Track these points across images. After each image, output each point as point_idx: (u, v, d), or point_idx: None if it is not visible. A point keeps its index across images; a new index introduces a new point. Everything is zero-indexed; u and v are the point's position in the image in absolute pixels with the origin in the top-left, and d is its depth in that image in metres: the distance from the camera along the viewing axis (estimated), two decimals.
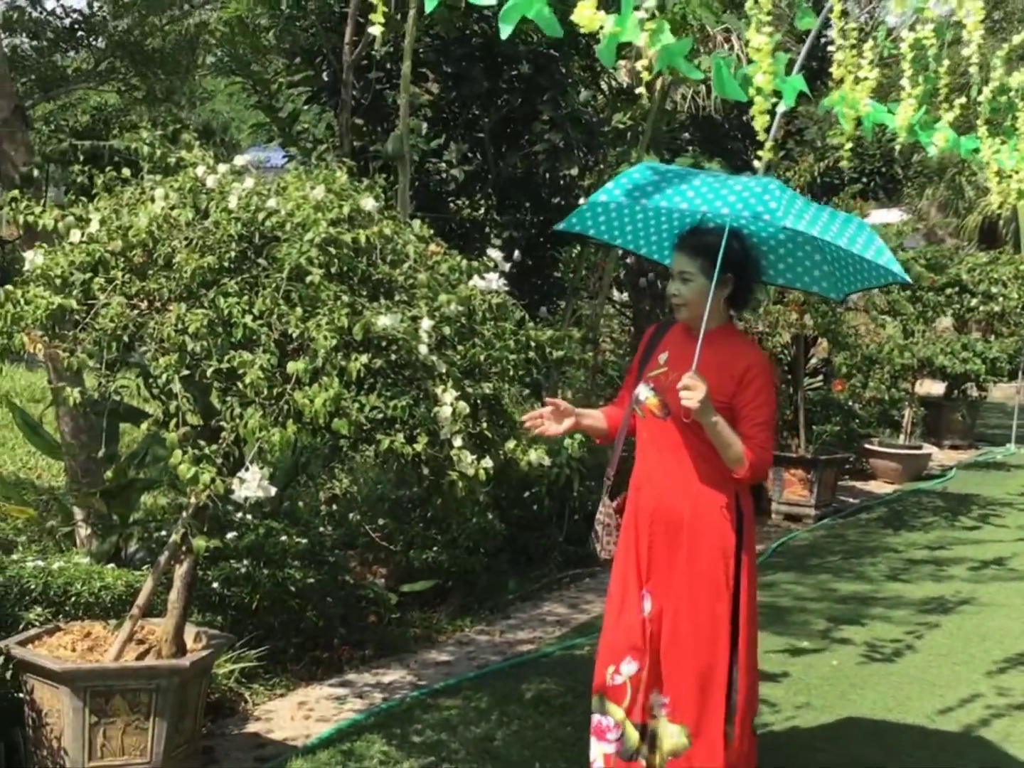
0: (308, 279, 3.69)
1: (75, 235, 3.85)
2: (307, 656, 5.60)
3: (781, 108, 3.95)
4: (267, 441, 3.48)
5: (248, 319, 3.63)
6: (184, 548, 4.16)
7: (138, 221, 3.85)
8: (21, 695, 4.18)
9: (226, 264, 3.77)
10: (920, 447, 12.44)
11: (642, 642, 3.68)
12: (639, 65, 3.36)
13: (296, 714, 5.03)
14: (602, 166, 9.03)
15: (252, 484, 3.45)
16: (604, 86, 9.16)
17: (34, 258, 3.85)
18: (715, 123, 11.16)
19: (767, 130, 3.52)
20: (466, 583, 6.65)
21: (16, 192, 4.07)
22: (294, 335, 3.62)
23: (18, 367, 10.62)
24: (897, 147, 4.10)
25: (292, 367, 3.55)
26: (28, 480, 7.21)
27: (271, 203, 3.93)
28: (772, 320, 9.14)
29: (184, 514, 4.10)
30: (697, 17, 8.13)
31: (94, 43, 6.65)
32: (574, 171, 9.28)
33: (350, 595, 5.89)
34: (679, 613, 3.65)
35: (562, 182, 9.19)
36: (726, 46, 11.29)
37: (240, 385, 3.58)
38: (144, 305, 3.81)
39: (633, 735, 3.71)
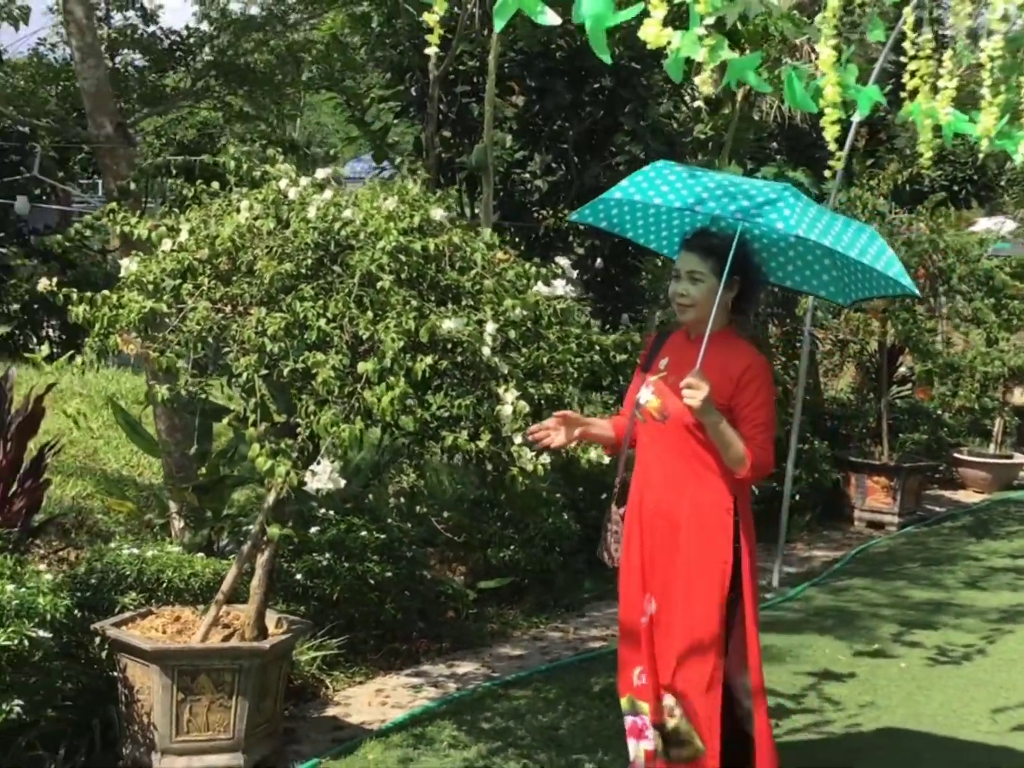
0: (379, 285, 3.92)
1: (167, 244, 4.15)
2: (386, 647, 5.84)
3: (856, 118, 4.07)
4: (338, 436, 3.72)
5: (322, 322, 3.87)
6: (264, 538, 4.43)
7: (223, 231, 4.13)
8: (115, 673, 4.48)
9: (303, 271, 4.03)
10: (1011, 456, 12.31)
11: (647, 646, 3.73)
12: (698, 80, 3.52)
13: (373, 700, 5.28)
14: None
15: (323, 476, 3.68)
16: (687, 97, 9.31)
17: (129, 265, 4.16)
18: (801, 132, 11.20)
19: (838, 140, 3.66)
20: (542, 582, 6.85)
21: (114, 204, 4.39)
22: (364, 337, 3.85)
23: (123, 370, 11.10)
24: (980, 155, 4.20)
25: (362, 367, 3.78)
26: (130, 477, 7.58)
27: (347, 213, 4.17)
28: (854, 328, 9.17)
29: (264, 505, 4.37)
30: (779, 28, 8.25)
31: (191, 63, 7.02)
32: None
33: (429, 590, 6.12)
34: (675, 615, 3.66)
35: None
36: (813, 56, 11.35)
37: (314, 384, 3.83)
38: (228, 309, 4.08)
39: (657, 737, 3.77)
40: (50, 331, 15.42)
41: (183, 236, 4.16)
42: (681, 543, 3.65)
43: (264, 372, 3.91)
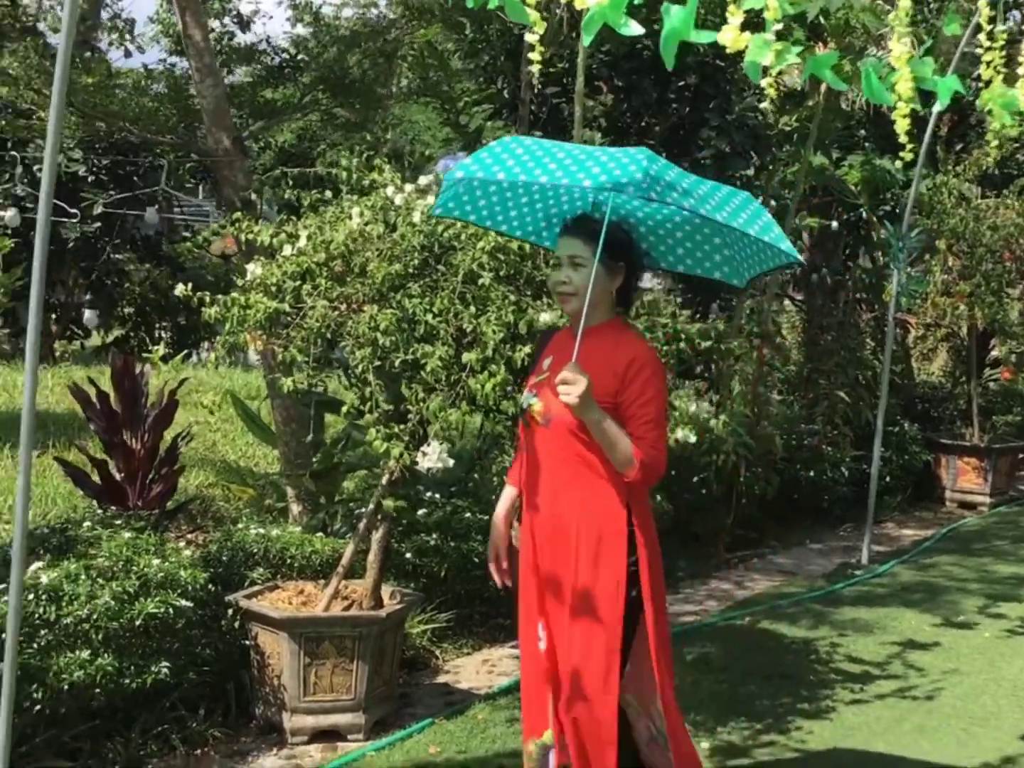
0: (480, 282, 4.30)
1: (287, 249, 4.57)
2: (490, 621, 6.23)
3: (937, 108, 4.32)
4: (446, 420, 4.10)
5: (429, 317, 4.26)
6: (379, 516, 4.84)
7: (338, 236, 4.55)
8: (246, 641, 4.92)
9: (410, 270, 4.42)
10: None
11: (548, 677, 3.47)
12: (764, 83, 3.81)
13: (480, 669, 5.66)
14: (771, 167, 9.41)
15: (433, 456, 4.08)
16: (770, 90, 9.51)
17: (254, 269, 4.59)
18: (889, 120, 11.30)
19: (910, 133, 3.91)
20: None
21: (239, 214, 4.82)
22: (468, 330, 4.23)
23: (235, 369, 11.68)
24: None
25: (466, 357, 4.16)
26: (247, 467, 8.07)
27: None
28: (940, 312, 9.32)
29: (380, 485, 4.77)
30: (860, 21, 8.46)
31: (299, 78, 7.48)
32: (750, 171, 9.68)
33: None
34: (572, 638, 3.37)
35: (738, 183, 9.61)
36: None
37: (423, 374, 4.22)
38: (343, 307, 4.49)
39: None
40: (161, 332, 16.15)
41: (302, 242, 4.58)
42: (573, 557, 3.34)
43: (377, 364, 4.31)
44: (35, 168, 12.54)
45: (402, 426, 4.25)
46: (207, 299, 4.53)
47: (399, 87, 10.47)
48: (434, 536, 6.04)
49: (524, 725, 3.63)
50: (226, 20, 32.84)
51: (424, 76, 9.80)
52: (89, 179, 12.97)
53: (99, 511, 5.20)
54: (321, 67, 7.02)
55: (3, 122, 7.38)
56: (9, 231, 10.75)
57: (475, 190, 3.65)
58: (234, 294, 4.53)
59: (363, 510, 6.16)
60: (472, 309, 4.27)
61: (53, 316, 14.46)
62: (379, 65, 8.93)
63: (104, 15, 14.99)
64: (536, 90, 8.39)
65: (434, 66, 9.73)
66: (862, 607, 6.70)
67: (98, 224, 13.14)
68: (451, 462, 4.14)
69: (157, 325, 15.97)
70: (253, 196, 5.60)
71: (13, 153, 12.84)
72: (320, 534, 5.64)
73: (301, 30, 12.39)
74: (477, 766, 4.48)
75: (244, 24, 31.29)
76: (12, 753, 4.07)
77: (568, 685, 3.37)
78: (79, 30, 12.49)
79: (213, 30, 14.09)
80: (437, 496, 6.29)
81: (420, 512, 6.15)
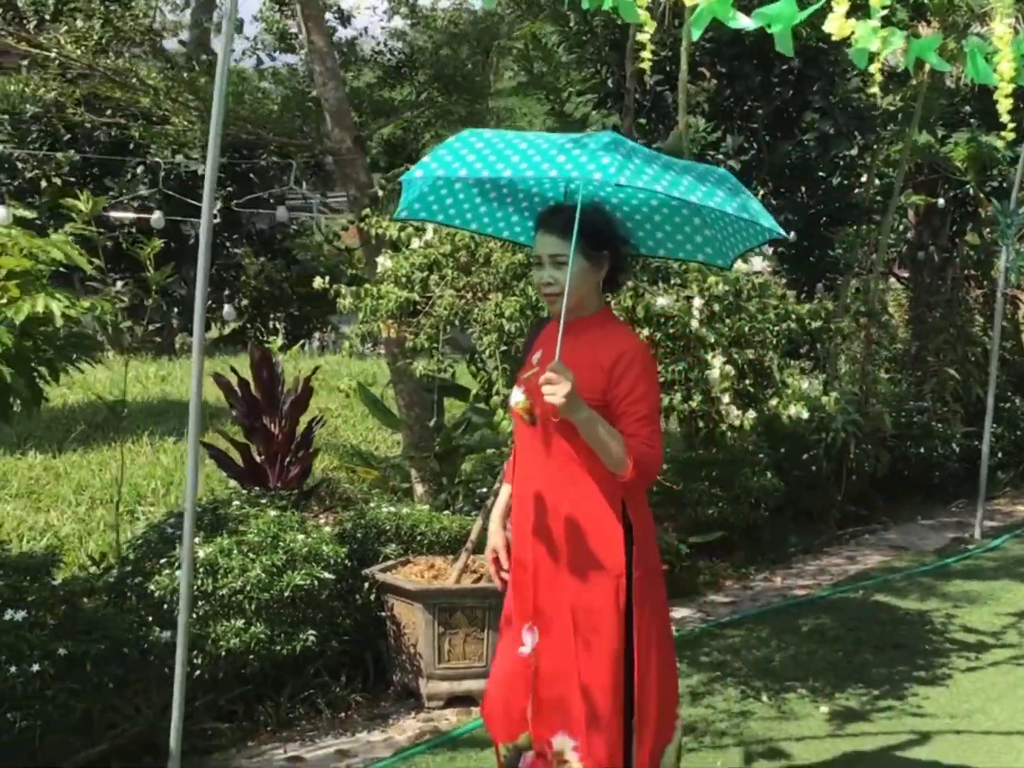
0: None
1: (415, 242, 4.85)
2: None
3: None
4: None
5: None
6: None
7: None
8: (382, 613, 5.23)
9: (532, 259, 4.66)
10: None
11: (529, 684, 3.27)
12: (871, 69, 3.96)
13: None
14: (876, 147, 9.47)
15: None
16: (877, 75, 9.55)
17: (384, 262, 4.88)
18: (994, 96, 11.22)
19: (1011, 111, 4.02)
20: (750, 537, 7.35)
21: (367, 210, 5.12)
22: None
23: (351, 358, 12.08)
24: None
25: None
26: (368, 451, 8.42)
27: None
28: None
29: (506, 465, 5.03)
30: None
31: (415, 77, 7.78)
32: (853, 151, 9.74)
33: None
34: (565, 643, 3.20)
35: (841, 163, 9.69)
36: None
37: None
38: (469, 296, 4.77)
39: None
40: (275, 323, 16.69)
41: (428, 235, 4.86)
42: (564, 561, 3.19)
43: (503, 348, 4.57)
44: (157, 169, 13.07)
45: None
46: (342, 290, 4.83)
47: (500, 79, 10.74)
48: None
49: (493, 728, 3.43)
50: (327, 16, 33.63)
51: (529, 68, 10.05)
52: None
53: (243, 492, 5.55)
54: (435, 66, 7.31)
55: (140, 130, 7.82)
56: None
57: (440, 188, 3.46)
58: (367, 285, 4.82)
59: (484, 490, 6.47)
60: None
61: (175, 310, 15.04)
62: (482, 59, 9.20)
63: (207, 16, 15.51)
64: (640, 79, 8.57)
65: (538, 58, 9.98)
66: (974, 580, 6.80)
67: (217, 221, 13.65)
68: None
69: (271, 316, 16.51)
70: (380, 192, 5.90)
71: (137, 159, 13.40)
72: (447, 512, 5.93)
73: (399, 22, 12.74)
74: None
75: (344, 19, 31.95)
76: (171, 715, 4.45)
77: (563, 698, 3.19)
78: (194, 34, 13.01)
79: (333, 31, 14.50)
80: None
81: None
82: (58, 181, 12.52)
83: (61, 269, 5.10)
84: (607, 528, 3.13)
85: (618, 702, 3.14)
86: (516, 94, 9.56)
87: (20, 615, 4.03)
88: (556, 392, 2.89)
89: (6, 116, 12.40)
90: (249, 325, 16.12)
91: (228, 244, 14.57)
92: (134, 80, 5.93)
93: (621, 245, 3.33)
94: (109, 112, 9.87)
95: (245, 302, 16.28)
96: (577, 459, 3.14)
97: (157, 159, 12.25)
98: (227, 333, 16.81)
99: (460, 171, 3.13)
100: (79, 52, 5.85)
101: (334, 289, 4.83)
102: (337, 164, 6.38)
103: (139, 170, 13.68)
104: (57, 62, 6.06)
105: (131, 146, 13.18)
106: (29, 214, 4.96)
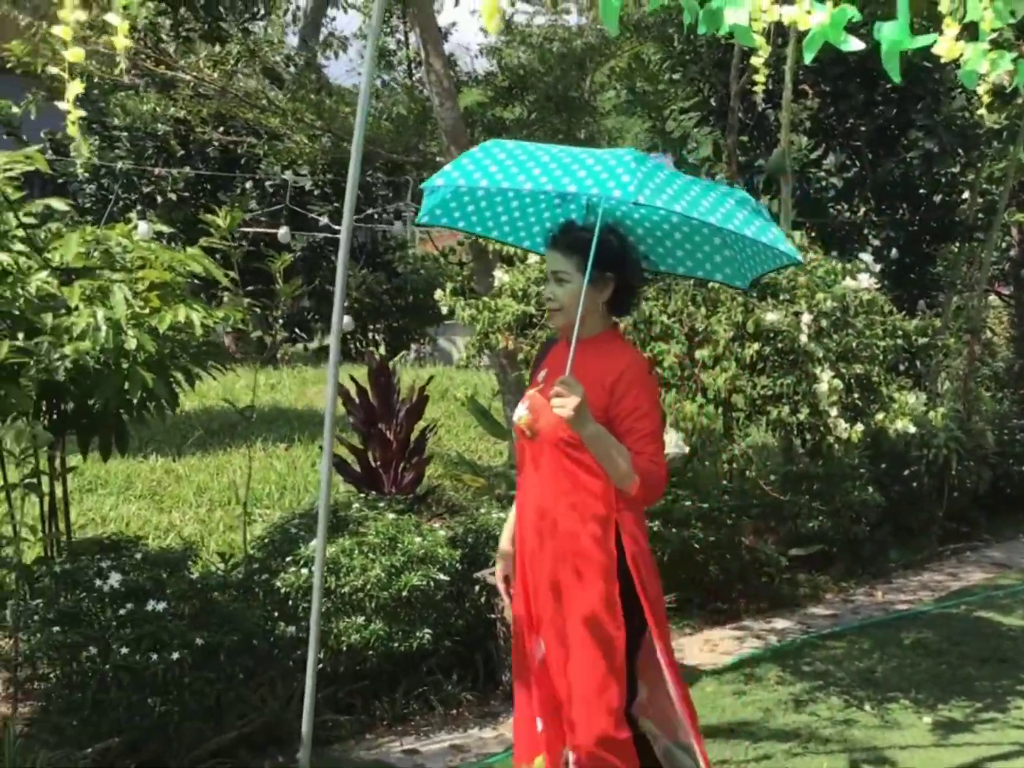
0: (710, 285, 4.68)
1: (532, 257, 5.04)
2: (710, 605, 6.59)
3: None
4: (681, 411, 4.51)
5: (664, 317, 4.67)
6: None
7: None
8: (492, 615, 5.42)
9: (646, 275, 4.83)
10: None
11: (543, 694, 3.37)
12: (980, 90, 4.05)
13: (703, 647, 6.03)
14: (979, 164, 9.47)
15: (671, 443, 4.49)
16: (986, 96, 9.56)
17: (501, 276, 5.08)
18: None
19: None
20: (850, 551, 7.41)
21: None
22: (699, 329, 4.63)
23: (455, 369, 12.37)
24: None
25: (699, 354, 4.57)
26: (471, 460, 8.64)
27: None
28: None
29: None
30: None
31: (526, 96, 8.00)
32: (955, 168, 9.75)
33: (746, 556, 6.82)
34: (567, 659, 3.26)
35: (943, 180, 9.70)
36: None
37: (659, 368, 4.63)
38: None
39: None
40: (375, 335, 17.04)
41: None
42: (562, 575, 3.23)
43: None
44: (266, 183, 13.49)
45: None
46: (461, 303, 5.04)
47: (602, 97, 10.92)
48: (656, 523, 6.42)
49: (517, 749, 3.53)
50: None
51: (631, 86, 10.23)
52: (315, 192, 13.89)
53: (360, 495, 5.79)
54: (545, 86, 7.52)
55: (263, 148, 8.16)
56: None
57: (462, 195, 3.49)
58: (485, 298, 5.03)
59: None
60: (703, 310, 4.66)
61: (279, 322, 15.46)
62: (578, 76, 9.38)
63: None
64: (743, 97, 8.70)
65: (641, 76, 10.16)
66: None
67: (324, 235, 14.06)
68: (687, 449, 4.54)
69: (371, 328, 16.87)
70: None
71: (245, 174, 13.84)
72: None
73: (493, 39, 12.97)
74: (707, 733, 4.85)
75: (442, 35, 32.38)
76: (295, 707, 4.68)
77: (567, 710, 3.26)
78: (302, 52, 13.39)
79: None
80: None
81: None
82: (173, 196, 13.01)
83: (195, 281, 5.41)
84: (602, 542, 3.17)
85: (612, 715, 3.19)
86: (621, 113, 9.73)
87: (161, 606, 4.30)
88: (566, 405, 2.94)
89: (126, 133, 12.92)
90: (350, 336, 16.48)
91: (333, 258, 14.95)
92: (263, 101, 6.24)
93: (630, 269, 3.33)
94: (222, 129, 10.26)
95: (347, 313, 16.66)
96: (573, 474, 3.19)
97: (268, 175, 12.66)
98: (327, 344, 17.21)
99: (480, 181, 3.17)
100: (215, 75, 6.17)
101: (453, 302, 5.04)
102: None
103: (248, 185, 14.13)
104: (191, 83, 6.40)
105: (242, 161, 13.63)
106: (167, 229, 5.25)
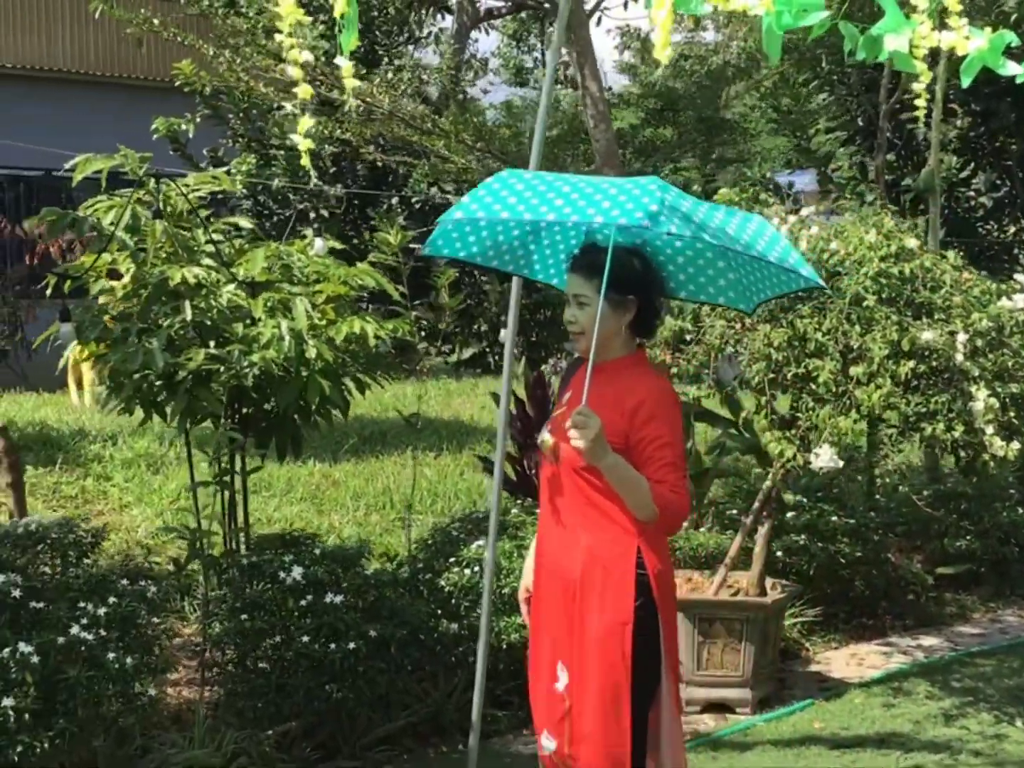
0: (864, 304, 4.81)
1: None
2: (854, 620, 6.65)
3: None
4: (835, 427, 4.64)
5: (819, 335, 4.80)
6: (764, 513, 5.41)
7: None
8: None
9: (800, 293, 4.97)
10: None
11: (558, 718, 3.28)
12: None
13: (849, 662, 6.11)
14: None
15: (825, 457, 4.62)
16: None
17: None
18: None
19: None
20: (998, 571, 7.37)
21: None
22: (854, 347, 4.75)
23: None
24: None
25: (853, 371, 4.68)
26: None
27: (833, 245, 5.09)
28: None
29: (764, 486, 5.34)
30: None
31: (677, 119, 8.18)
32: None
33: (891, 573, 6.85)
34: (582, 688, 3.20)
35: None
36: None
37: (813, 385, 4.77)
38: (738, 326, 5.10)
39: None
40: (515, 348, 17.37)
41: None
42: (580, 604, 3.18)
43: (771, 376, 4.89)
44: (412, 200, 13.89)
45: (792, 431, 4.83)
46: None
47: (743, 116, 11.05)
48: (802, 537, 6.52)
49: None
50: (561, 51, 34.27)
51: (775, 106, 10.34)
52: None
53: (517, 501, 6.03)
54: (698, 108, 7.69)
55: (425, 168, 8.51)
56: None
57: (464, 226, 3.41)
58: None
59: (734, 512, 6.77)
60: (858, 328, 4.78)
61: (422, 334, 15.88)
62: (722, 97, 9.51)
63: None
64: (892, 117, 8.74)
65: (786, 94, 10.26)
66: None
67: None
68: (841, 463, 4.66)
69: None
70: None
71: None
72: (701, 530, 6.26)
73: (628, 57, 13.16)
74: (856, 743, 4.95)
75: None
76: (455, 700, 4.92)
77: (582, 732, 3.21)
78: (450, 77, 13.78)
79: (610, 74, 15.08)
80: (804, 500, 6.78)
81: (788, 515, 6.66)
82: (325, 212, 13.51)
83: (363, 294, 5.72)
84: (620, 568, 3.11)
85: (624, 736, 3.13)
86: (770, 133, 9.85)
87: (338, 598, 4.59)
88: (584, 436, 2.88)
89: (282, 151, 13.47)
90: (488, 349, 16.83)
91: (477, 273, 15.29)
92: (427, 124, 6.56)
93: (654, 290, 3.27)
94: (379, 149, 10.67)
95: (485, 327, 17.00)
96: (594, 500, 3.13)
97: (415, 191, 13.05)
98: (466, 357, 17.61)
99: (501, 213, 3.08)
100: (386, 100, 6.50)
101: None
102: None
103: (394, 201, 14.57)
104: (359, 107, 6.74)
105: (389, 179, 14.08)
106: (339, 245, 5.56)
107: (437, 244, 3.43)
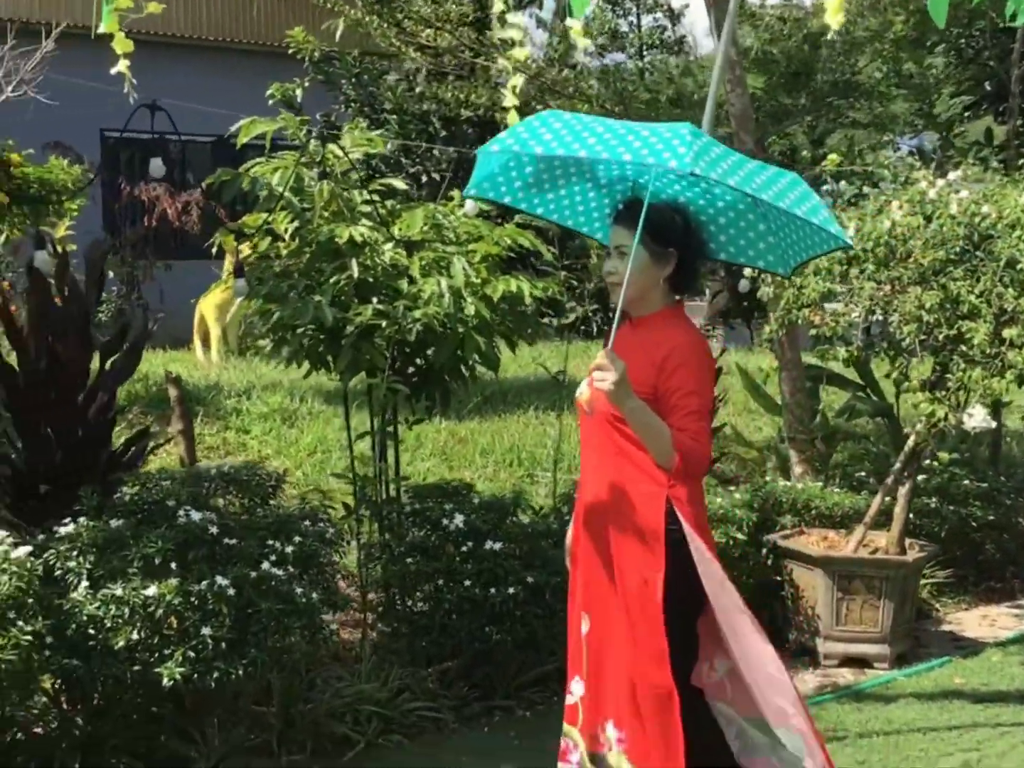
0: (1019, 266, 4.84)
1: None
2: (984, 583, 6.71)
3: None
4: (988, 388, 4.70)
5: (972, 297, 4.86)
6: (906, 473, 5.49)
7: (880, 226, 5.22)
8: (777, 577, 5.72)
9: (952, 256, 5.03)
10: None
11: (584, 663, 3.35)
12: None
13: (981, 623, 6.18)
14: None
15: (978, 418, 4.69)
16: None
17: None
18: None
19: None
20: None
21: None
22: (1008, 309, 4.79)
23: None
24: None
25: (1007, 333, 4.73)
26: (731, 435, 8.90)
27: (984, 209, 5.12)
28: None
29: (908, 444, 5.42)
30: None
31: (813, 84, 8.19)
32: None
33: (1021, 537, 6.88)
34: (612, 635, 3.26)
35: None
36: None
37: (964, 347, 4.83)
38: (887, 288, 5.17)
39: (586, 764, 3.38)
40: (612, 313, 17.47)
41: (850, 232, 5.29)
42: (612, 553, 3.23)
43: (922, 338, 4.97)
44: None
45: (941, 393, 4.90)
46: (767, 279, 5.34)
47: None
48: (933, 500, 6.57)
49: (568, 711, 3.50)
50: (658, 14, 33.72)
51: (897, 69, 10.26)
52: None
53: None
54: (834, 73, 7.71)
55: None
56: None
57: (510, 171, 3.41)
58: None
59: (861, 474, 6.85)
60: (1012, 291, 4.83)
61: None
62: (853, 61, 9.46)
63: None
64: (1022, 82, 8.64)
65: (907, 58, 10.17)
66: None
67: None
68: (993, 423, 4.73)
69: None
70: None
71: None
72: (837, 490, 6.34)
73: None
74: (998, 698, 5.04)
75: (674, 17, 32.08)
76: None
77: (612, 685, 3.25)
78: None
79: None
80: (935, 464, 6.82)
81: (920, 478, 6.71)
82: (436, 175, 13.68)
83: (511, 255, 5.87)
84: (650, 518, 3.13)
85: (667, 701, 3.11)
86: (891, 99, 9.76)
87: (497, 545, 4.78)
88: (605, 379, 2.91)
89: (394, 116, 13.67)
90: (592, 313, 16.94)
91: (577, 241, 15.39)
92: (570, 89, 6.68)
93: (693, 247, 3.29)
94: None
95: (588, 291, 17.09)
96: (626, 450, 3.17)
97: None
98: (568, 322, 17.74)
99: (536, 148, 3.10)
100: (534, 66, 6.64)
101: (760, 277, 5.34)
102: None
103: None
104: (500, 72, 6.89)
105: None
106: (485, 207, 5.71)
107: (483, 187, 3.42)
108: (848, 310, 5.19)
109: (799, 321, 5.37)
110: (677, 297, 3.30)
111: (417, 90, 11.99)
